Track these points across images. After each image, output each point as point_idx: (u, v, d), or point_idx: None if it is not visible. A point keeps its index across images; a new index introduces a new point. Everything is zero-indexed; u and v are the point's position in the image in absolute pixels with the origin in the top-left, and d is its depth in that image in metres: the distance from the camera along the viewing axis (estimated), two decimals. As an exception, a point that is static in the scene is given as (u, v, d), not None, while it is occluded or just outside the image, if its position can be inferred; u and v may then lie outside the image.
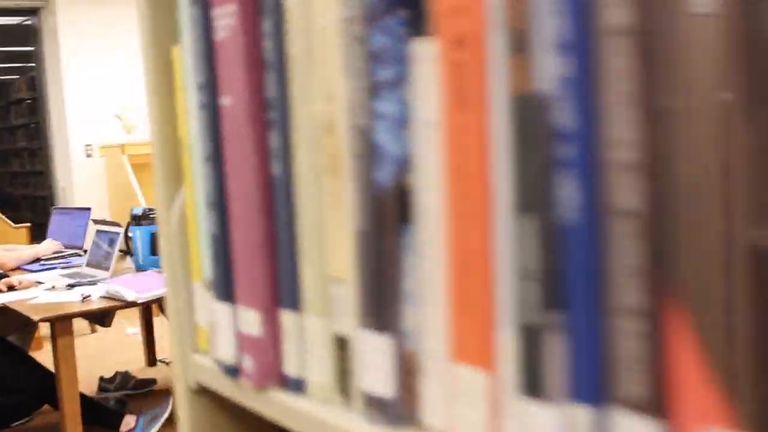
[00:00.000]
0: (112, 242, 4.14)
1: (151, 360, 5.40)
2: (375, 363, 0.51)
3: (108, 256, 4.12)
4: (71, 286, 3.85)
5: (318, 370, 0.56)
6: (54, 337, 3.35)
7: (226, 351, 0.63)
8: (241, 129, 0.58)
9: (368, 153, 0.49)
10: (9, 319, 3.98)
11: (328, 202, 0.53)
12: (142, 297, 3.42)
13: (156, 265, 4.20)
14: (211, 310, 0.66)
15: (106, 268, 4.08)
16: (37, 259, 4.66)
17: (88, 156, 7.47)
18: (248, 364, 0.61)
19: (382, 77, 0.48)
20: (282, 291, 0.58)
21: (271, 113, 0.56)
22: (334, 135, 0.52)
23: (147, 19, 0.70)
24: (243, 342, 0.61)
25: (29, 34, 7.97)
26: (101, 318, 4.16)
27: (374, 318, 0.50)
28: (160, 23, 0.69)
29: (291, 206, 0.56)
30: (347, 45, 0.49)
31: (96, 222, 4.88)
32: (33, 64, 8.67)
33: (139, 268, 4.22)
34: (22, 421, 3.85)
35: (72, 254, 4.80)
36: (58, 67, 7.51)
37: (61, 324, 3.35)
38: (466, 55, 0.41)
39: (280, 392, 0.59)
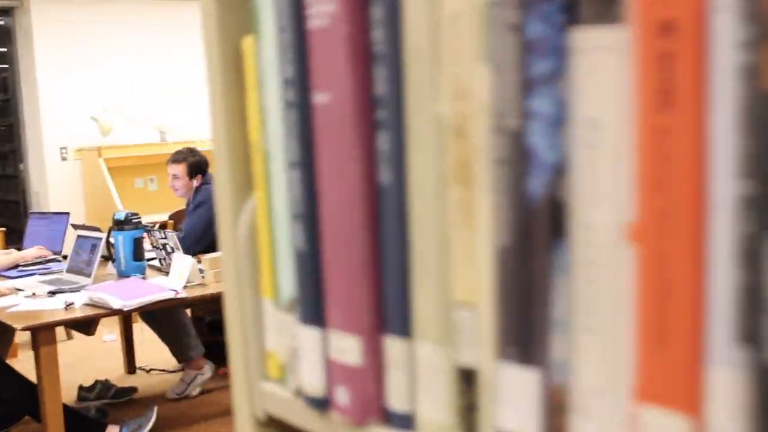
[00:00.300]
0: (93, 248, 4.04)
1: (131, 368, 5.29)
2: (516, 398, 0.44)
3: (90, 262, 4.02)
4: (53, 293, 3.75)
5: (432, 404, 0.49)
6: (36, 347, 3.25)
7: (312, 381, 0.56)
8: (341, 130, 0.51)
9: (518, 158, 0.42)
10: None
11: (453, 215, 0.46)
12: (129, 305, 3.32)
13: (139, 271, 4.11)
14: (290, 334, 0.59)
15: (88, 275, 3.98)
16: (16, 265, 4.54)
17: (63, 159, 7.33)
18: (343, 396, 0.54)
19: (537, 71, 0.41)
20: (388, 315, 0.51)
21: (379, 113, 0.50)
22: (465, 138, 0.45)
23: (213, 6, 0.62)
24: (336, 371, 0.54)
25: (2, 35, 7.81)
26: (86, 326, 4.05)
27: (517, 348, 0.44)
28: (228, 11, 0.62)
29: (403, 219, 0.49)
30: (495, 34, 0.42)
31: (76, 227, 4.77)
32: (5, 65, 8.51)
33: (122, 274, 4.13)
34: (1, 433, 3.73)
35: (51, 260, 4.68)
36: (32, 68, 7.37)
37: (45, 333, 3.25)
38: (677, 44, 0.34)
39: (382, 428, 0.52)
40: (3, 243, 5.93)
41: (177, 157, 4.94)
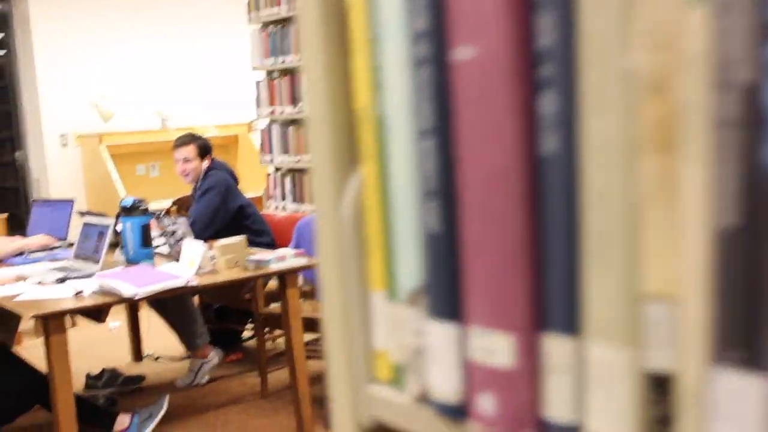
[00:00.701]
0: (101, 235, 3.95)
1: (138, 355, 5.22)
2: (735, 412, 0.36)
3: (97, 249, 3.93)
4: (61, 280, 3.67)
5: (609, 415, 0.41)
6: (46, 335, 3.17)
7: (445, 385, 0.48)
8: (491, 90, 0.43)
9: (751, 120, 0.34)
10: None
11: (648, 190, 0.38)
12: (141, 292, 3.24)
13: (147, 258, 4.03)
14: (411, 331, 0.51)
15: (96, 261, 3.90)
16: (21, 253, 4.46)
17: (64, 146, 7.24)
18: (488, 404, 0.46)
19: (782, 9, 0.33)
20: (549, 309, 0.43)
21: (542, 69, 0.41)
22: (667, 96, 0.37)
23: (312, -45, 0.54)
24: (478, 374, 0.46)
25: (-1, 20, 7.70)
26: (96, 314, 3.98)
27: (739, 352, 0.36)
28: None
29: (571, 195, 0.41)
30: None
31: (83, 214, 4.68)
32: (2, 51, 8.40)
33: (129, 261, 4.04)
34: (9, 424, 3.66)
35: (57, 247, 4.60)
36: (30, 53, 7.26)
37: (55, 321, 3.17)
38: None
39: (537, 442, 0.44)
40: (5, 230, 5.84)
41: (184, 140, 4.85)
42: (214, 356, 4.73)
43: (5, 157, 9.80)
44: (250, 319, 4.98)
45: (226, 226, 4.59)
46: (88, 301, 3.29)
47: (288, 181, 5.76)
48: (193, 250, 3.66)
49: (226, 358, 4.91)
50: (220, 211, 4.69)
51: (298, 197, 5.68)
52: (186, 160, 4.84)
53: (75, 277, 3.68)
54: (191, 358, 4.71)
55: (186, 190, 6.59)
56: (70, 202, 4.82)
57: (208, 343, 4.69)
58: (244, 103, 7.94)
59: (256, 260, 3.74)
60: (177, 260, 3.94)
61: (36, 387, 3.42)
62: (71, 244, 4.71)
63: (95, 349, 5.49)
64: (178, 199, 6.17)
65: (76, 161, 7.28)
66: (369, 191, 0.53)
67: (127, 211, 4.05)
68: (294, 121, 5.75)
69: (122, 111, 7.22)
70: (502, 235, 0.44)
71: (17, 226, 7.44)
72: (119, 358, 5.22)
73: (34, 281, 3.71)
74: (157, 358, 5.19)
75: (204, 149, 4.84)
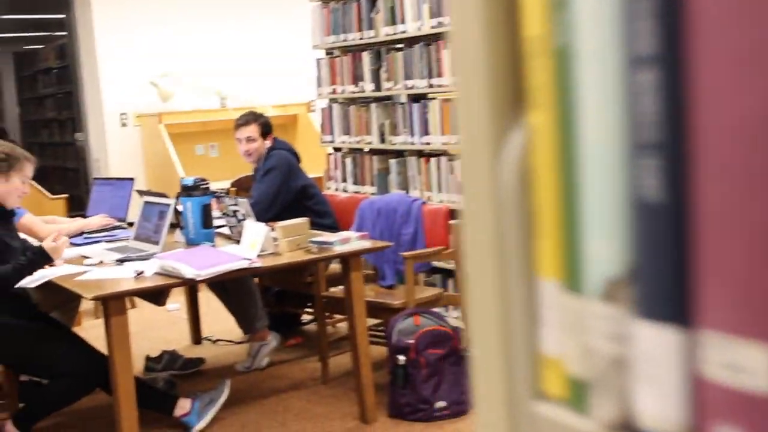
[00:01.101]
0: (162, 215, 3.88)
1: (197, 338, 5.17)
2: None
3: (158, 229, 3.86)
4: (121, 261, 3.60)
5: None
6: (107, 317, 3.10)
7: (661, 410, 0.35)
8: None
9: None
10: (50, 294, 3.74)
11: None
12: (203, 274, 3.16)
13: (208, 238, 3.95)
14: (605, 334, 0.38)
15: (156, 242, 3.83)
16: (81, 233, 4.41)
17: (123, 125, 7.22)
18: (733, 441, 0.33)
19: None
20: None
21: None
22: None
23: None
24: (717, 399, 0.33)
25: (59, 2, 7.70)
26: (156, 296, 3.91)
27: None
28: None
29: None
30: None
31: (142, 193, 4.63)
32: (63, 33, 8.43)
33: (190, 242, 3.97)
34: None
35: (116, 227, 4.55)
36: (90, 34, 7.25)
37: (115, 303, 3.10)
38: None
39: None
40: (65, 210, 5.83)
41: (247, 119, 4.76)
42: (272, 340, 4.64)
43: (66, 137, 9.88)
44: (309, 304, 4.88)
45: (288, 207, 4.49)
46: (148, 283, 3.22)
47: (349, 162, 5.65)
48: (256, 231, 3.57)
49: (286, 343, 4.83)
50: (282, 191, 4.60)
51: (360, 179, 5.56)
52: (249, 140, 4.76)
53: (135, 258, 3.62)
54: (250, 342, 4.63)
55: (245, 171, 6.53)
56: (129, 181, 4.77)
57: (267, 327, 4.61)
58: (303, 83, 7.86)
59: (319, 242, 3.63)
60: (238, 242, 3.86)
61: (96, 369, 3.36)
62: (130, 224, 4.66)
63: (154, 331, 5.45)
64: (237, 180, 6.11)
65: (136, 141, 7.26)
66: (542, 148, 0.40)
67: (188, 191, 3.98)
68: (355, 101, 5.64)
69: (181, 90, 7.17)
70: (762, 206, 0.31)
71: (77, 207, 7.46)
72: (178, 340, 5.17)
73: (94, 261, 3.65)
74: (216, 341, 5.13)
75: (266, 128, 4.75)
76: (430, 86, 4.92)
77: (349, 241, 3.65)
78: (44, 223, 4.36)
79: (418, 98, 5.08)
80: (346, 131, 5.64)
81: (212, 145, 7.41)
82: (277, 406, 4.07)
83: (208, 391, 3.77)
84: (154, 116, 6.99)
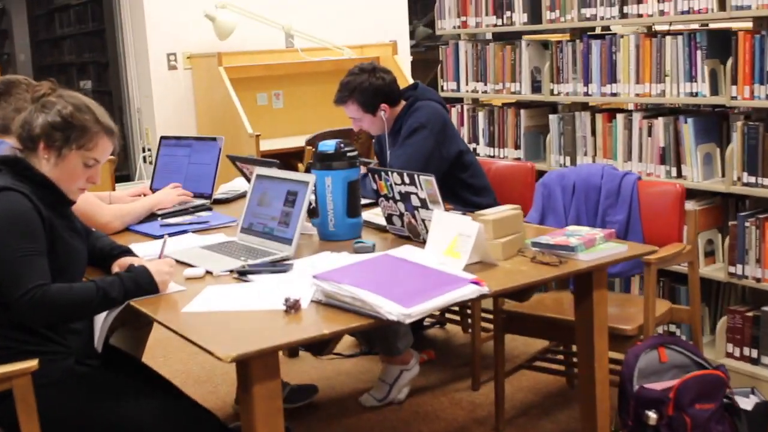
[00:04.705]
0: (292, 197, 2.57)
1: (292, 349, 3.86)
2: None
3: (286, 219, 2.55)
4: (242, 273, 2.30)
5: None
6: (246, 383, 1.82)
7: None
8: None
9: None
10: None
11: None
12: (414, 313, 1.85)
13: (354, 233, 2.67)
14: None
15: (283, 239, 2.53)
16: (152, 215, 3.10)
17: (172, 68, 5.86)
18: None
19: None
20: None
21: None
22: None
23: None
24: None
25: None
26: (319, 346, 2.61)
27: None
28: None
29: None
30: None
31: (235, 160, 3.31)
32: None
33: (327, 238, 2.68)
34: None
35: (200, 207, 3.24)
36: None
37: (263, 363, 1.81)
38: None
39: None
40: (111, 177, 4.51)
41: (340, 95, 3.37)
42: (415, 363, 3.37)
43: (103, 83, 8.49)
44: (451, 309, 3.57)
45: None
46: (310, 328, 1.90)
47: (482, 117, 4.32)
48: (455, 227, 2.26)
49: (419, 358, 3.54)
50: (435, 159, 3.27)
51: (499, 140, 4.24)
52: (355, 121, 3.42)
53: (263, 270, 2.31)
54: (385, 365, 3.35)
55: (319, 126, 5.20)
56: (215, 142, 3.44)
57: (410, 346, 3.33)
58: (387, 18, 6.51)
59: (549, 246, 2.33)
60: (413, 238, 2.57)
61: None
62: (216, 201, 3.36)
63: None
64: (315, 137, 4.81)
65: (187, 87, 5.91)
66: None
67: (325, 160, 2.66)
68: (499, 37, 4.31)
69: (240, 26, 5.80)
70: None
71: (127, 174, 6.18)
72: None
73: (196, 271, 2.35)
74: (321, 354, 3.81)
75: (371, 95, 3.33)
76: (624, 15, 3.57)
77: (594, 243, 2.34)
78: (101, 201, 3.06)
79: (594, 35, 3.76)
80: (480, 77, 4.30)
81: (276, 94, 6.09)
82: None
83: None
84: (210, 57, 5.64)
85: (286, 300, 1.97)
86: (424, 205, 2.50)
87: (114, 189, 4.54)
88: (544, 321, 2.89)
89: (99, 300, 2.07)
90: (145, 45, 5.82)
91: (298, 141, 5.17)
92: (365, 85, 3.29)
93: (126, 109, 6.17)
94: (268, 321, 1.94)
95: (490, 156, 4.24)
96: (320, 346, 3.00)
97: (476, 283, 1.99)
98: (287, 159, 4.98)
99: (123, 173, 6.17)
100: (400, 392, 3.33)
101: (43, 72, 10.99)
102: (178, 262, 2.44)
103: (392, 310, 1.82)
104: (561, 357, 3.33)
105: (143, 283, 2.13)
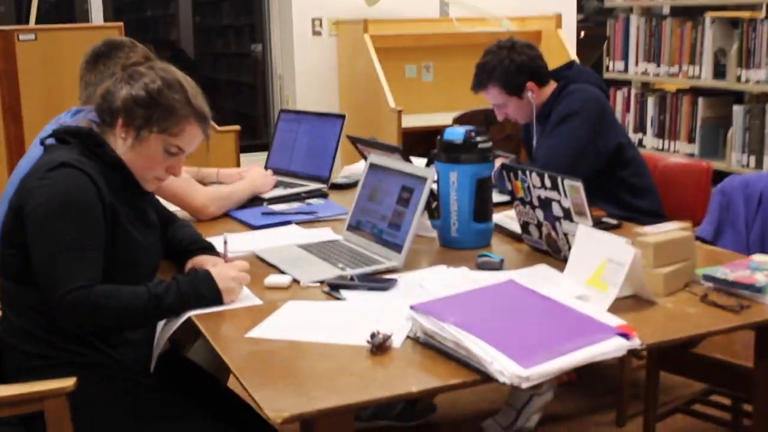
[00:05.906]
0: (407, 194, 2.12)
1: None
2: None
3: (398, 220, 2.11)
4: (334, 287, 1.87)
5: None
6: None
7: None
8: None
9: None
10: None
11: None
12: (534, 375, 1.37)
13: (482, 241, 2.20)
14: None
15: (392, 245, 2.08)
16: (256, 199, 2.73)
17: (316, 34, 5.51)
18: None
19: None
20: None
21: None
22: None
23: None
24: None
25: None
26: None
27: None
28: None
29: None
30: None
31: (356, 141, 2.90)
32: None
33: (448, 244, 2.22)
34: None
35: (314, 192, 2.84)
36: None
37: (328, 423, 1.38)
38: None
39: None
40: (235, 148, 4.19)
41: (478, 80, 2.86)
42: (548, 389, 2.87)
43: (244, 47, 8.30)
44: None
45: (592, 179, 2.58)
46: (401, 382, 1.45)
47: (651, 103, 3.74)
48: (606, 250, 1.76)
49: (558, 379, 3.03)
50: (589, 153, 2.75)
51: (671, 131, 3.65)
52: (498, 107, 2.91)
53: (360, 286, 1.88)
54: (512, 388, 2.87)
55: (471, 103, 4.72)
56: (338, 120, 3.02)
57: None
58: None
59: (726, 283, 1.79)
60: (552, 254, 2.08)
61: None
62: (334, 186, 2.96)
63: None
64: (464, 115, 4.34)
65: (331, 54, 5.55)
66: None
67: (451, 151, 2.20)
68: (677, 12, 3.71)
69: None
70: None
71: (254, 137, 5.89)
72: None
73: (282, 282, 1.94)
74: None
75: (514, 76, 2.79)
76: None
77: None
78: (208, 176, 2.71)
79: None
80: (652, 57, 3.72)
81: (426, 66, 5.65)
82: None
83: None
84: (357, 23, 5.26)
85: (373, 336, 1.53)
86: (567, 215, 2.00)
87: (239, 161, 4.23)
88: (711, 363, 2.34)
89: (151, 307, 1.70)
90: (289, 7, 5.49)
91: (445, 118, 4.71)
92: (506, 63, 2.78)
93: (268, 75, 5.87)
94: (347, 362, 1.50)
95: (657, 149, 3.67)
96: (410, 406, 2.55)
97: (625, 335, 1.48)
98: (432, 137, 4.56)
99: (254, 142, 5.89)
100: (529, 420, 2.85)
101: (204, 34, 10.95)
102: (266, 263, 2.04)
103: (505, 369, 1.34)
104: (727, 401, 2.76)
105: (203, 290, 1.75)
